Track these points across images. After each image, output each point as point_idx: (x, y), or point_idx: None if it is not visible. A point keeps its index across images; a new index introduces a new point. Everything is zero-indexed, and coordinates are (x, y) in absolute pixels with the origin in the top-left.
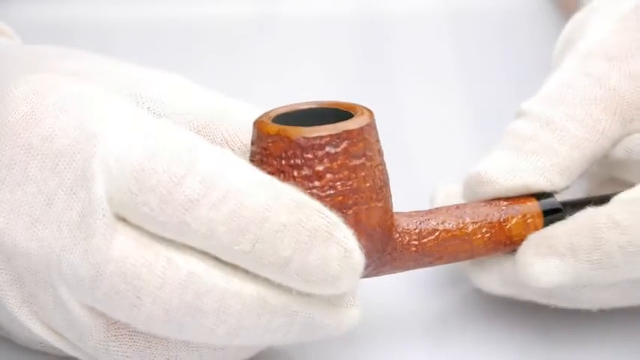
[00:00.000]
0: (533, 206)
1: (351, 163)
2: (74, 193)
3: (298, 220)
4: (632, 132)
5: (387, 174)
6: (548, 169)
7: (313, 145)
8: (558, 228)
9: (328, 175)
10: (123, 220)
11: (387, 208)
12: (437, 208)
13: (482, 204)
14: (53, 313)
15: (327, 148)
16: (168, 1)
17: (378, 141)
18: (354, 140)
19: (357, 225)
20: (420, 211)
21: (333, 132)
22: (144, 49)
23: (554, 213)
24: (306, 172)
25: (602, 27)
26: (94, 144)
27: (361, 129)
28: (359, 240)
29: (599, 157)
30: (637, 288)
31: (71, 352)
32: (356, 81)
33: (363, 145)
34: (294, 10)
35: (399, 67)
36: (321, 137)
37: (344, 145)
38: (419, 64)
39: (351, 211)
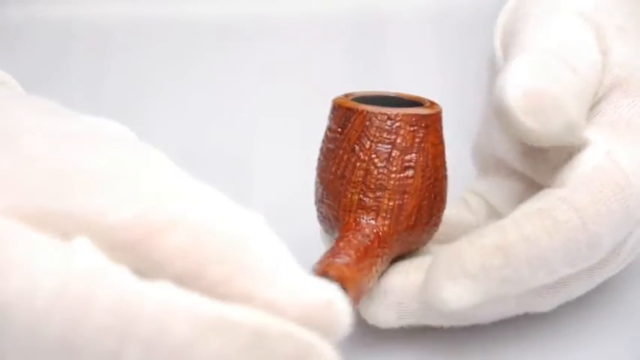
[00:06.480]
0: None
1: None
2: None
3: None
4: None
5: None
6: None
7: (383, 121)
8: (467, 247)
9: (403, 155)
10: None
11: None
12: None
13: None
14: None
15: (398, 129)
16: (169, 1)
17: (434, 146)
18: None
19: (399, 212)
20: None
21: (403, 112)
22: (143, 49)
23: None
24: (377, 148)
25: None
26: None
27: (431, 116)
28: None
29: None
30: (529, 298)
31: None
32: (353, 80)
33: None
34: (291, 10)
35: (396, 65)
36: (390, 116)
37: (415, 128)
38: (418, 62)
39: (405, 198)
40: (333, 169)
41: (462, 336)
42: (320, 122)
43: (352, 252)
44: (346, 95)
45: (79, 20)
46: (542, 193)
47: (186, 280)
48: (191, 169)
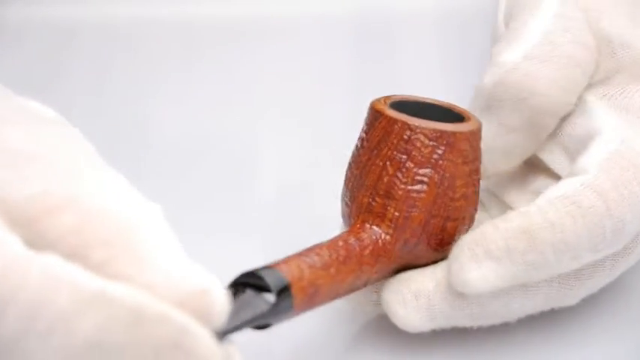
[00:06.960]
0: None
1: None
2: None
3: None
4: None
5: (456, 207)
6: None
7: (403, 130)
8: (492, 231)
9: (417, 168)
10: None
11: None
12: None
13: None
14: None
15: (421, 142)
16: (170, 1)
17: (470, 162)
18: (453, 144)
19: (404, 224)
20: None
21: (434, 127)
22: (146, 49)
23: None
24: (392, 155)
25: None
26: None
27: (455, 134)
28: (412, 241)
29: None
30: (556, 290)
31: None
32: (354, 82)
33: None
34: (294, 11)
35: (399, 67)
36: (410, 126)
37: (440, 145)
38: (422, 63)
39: (416, 213)
40: (353, 169)
41: (476, 338)
42: (322, 122)
43: (327, 254)
44: (386, 98)
45: (79, 20)
46: (563, 181)
47: (75, 259)
48: (192, 168)
